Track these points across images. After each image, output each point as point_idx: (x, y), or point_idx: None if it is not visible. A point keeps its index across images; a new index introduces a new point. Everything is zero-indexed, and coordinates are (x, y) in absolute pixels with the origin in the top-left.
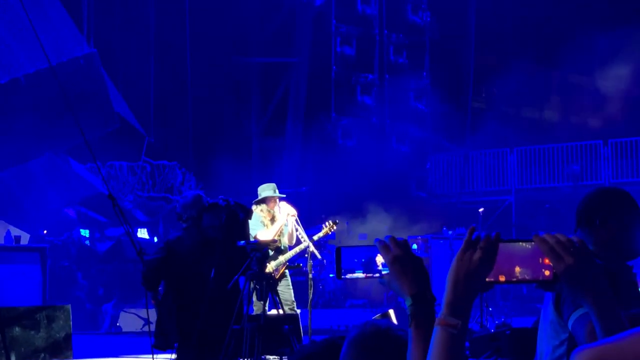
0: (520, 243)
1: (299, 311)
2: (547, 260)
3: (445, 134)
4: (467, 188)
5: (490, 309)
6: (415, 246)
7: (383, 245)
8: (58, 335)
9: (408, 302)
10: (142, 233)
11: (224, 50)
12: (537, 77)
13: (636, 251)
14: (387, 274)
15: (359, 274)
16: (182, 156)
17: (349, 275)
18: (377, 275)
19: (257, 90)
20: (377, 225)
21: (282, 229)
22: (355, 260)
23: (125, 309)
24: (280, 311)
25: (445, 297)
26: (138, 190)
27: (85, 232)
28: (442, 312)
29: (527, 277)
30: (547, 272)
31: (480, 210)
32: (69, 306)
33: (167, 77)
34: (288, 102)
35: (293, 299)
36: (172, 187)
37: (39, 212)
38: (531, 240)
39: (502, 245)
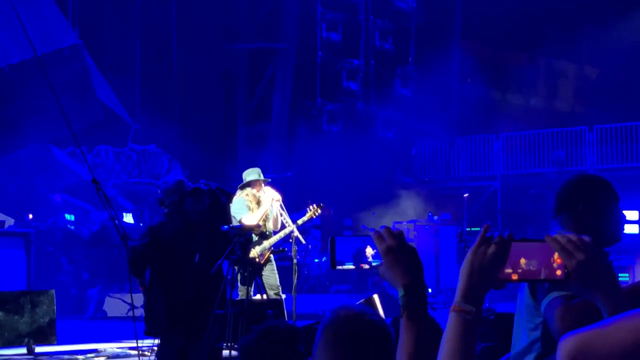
0: (534, 242)
1: (284, 296)
2: (559, 260)
3: (430, 120)
4: (453, 174)
5: None
6: None
7: (378, 236)
8: (42, 320)
9: (400, 292)
10: (128, 218)
11: (210, 36)
12: (522, 63)
13: (615, 238)
14: (381, 264)
15: (350, 266)
16: (168, 143)
17: (339, 267)
18: (367, 266)
19: (244, 76)
20: (363, 210)
21: (267, 214)
22: (346, 251)
23: (110, 294)
24: (264, 296)
25: (459, 287)
26: (124, 177)
27: (70, 217)
28: (456, 299)
29: (539, 276)
30: (559, 272)
31: (466, 195)
32: (52, 291)
33: (153, 64)
34: (274, 88)
35: (278, 283)
36: (159, 174)
37: (25, 198)
38: (543, 240)
39: (514, 244)
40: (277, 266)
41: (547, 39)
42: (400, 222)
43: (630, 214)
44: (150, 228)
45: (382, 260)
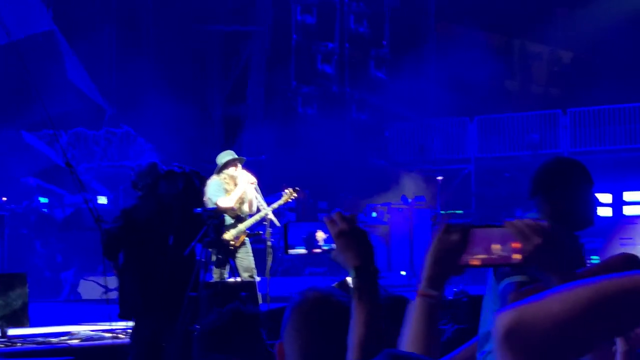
0: (493, 228)
1: (258, 279)
2: (517, 244)
3: (405, 103)
4: (427, 156)
5: None
6: (374, 214)
7: (330, 220)
8: (15, 303)
9: (352, 274)
10: (102, 200)
11: (185, 19)
12: (497, 46)
13: (588, 221)
14: (333, 248)
15: (301, 250)
16: (143, 126)
17: (290, 251)
18: (319, 250)
19: (219, 59)
20: (337, 193)
21: (243, 197)
22: (298, 236)
23: (84, 277)
24: (238, 279)
25: (424, 272)
26: (98, 160)
27: (44, 200)
28: (421, 284)
29: (499, 261)
30: (517, 256)
31: (439, 178)
32: (25, 274)
33: (128, 47)
34: (249, 70)
35: (253, 266)
36: (134, 157)
37: None
38: (502, 225)
39: (474, 230)
40: (252, 249)
41: (521, 21)
42: (375, 205)
43: (604, 197)
44: (124, 211)
45: (335, 244)
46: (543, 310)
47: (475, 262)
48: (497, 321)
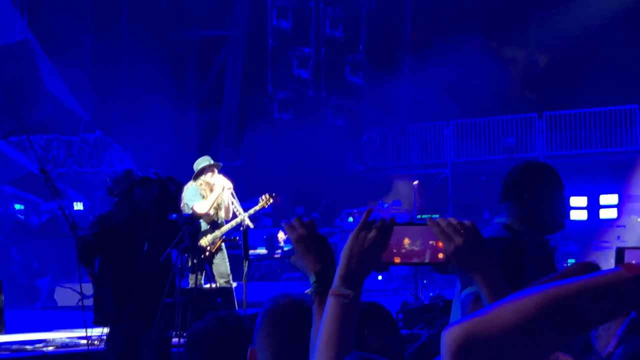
0: (416, 226)
1: (234, 284)
2: (440, 244)
3: (381, 107)
4: (404, 161)
5: (425, 282)
6: (351, 219)
7: (289, 226)
8: None
9: (312, 279)
10: (78, 206)
11: (160, 23)
12: (472, 50)
13: (559, 225)
14: (294, 255)
15: (262, 250)
16: (119, 131)
17: (251, 251)
18: (279, 251)
19: (194, 63)
20: (314, 198)
21: (220, 202)
22: (259, 237)
23: (60, 284)
24: (214, 285)
25: (339, 271)
26: (74, 167)
27: (19, 207)
28: (335, 283)
29: (422, 260)
30: (440, 255)
31: (415, 183)
32: (0, 281)
33: (104, 52)
34: (224, 75)
35: (229, 272)
36: (109, 163)
37: None
38: (425, 224)
39: (398, 228)
40: (227, 254)
41: (497, 25)
42: (352, 210)
43: (579, 201)
44: (100, 217)
45: (294, 249)
46: (494, 321)
47: (397, 260)
48: (446, 336)
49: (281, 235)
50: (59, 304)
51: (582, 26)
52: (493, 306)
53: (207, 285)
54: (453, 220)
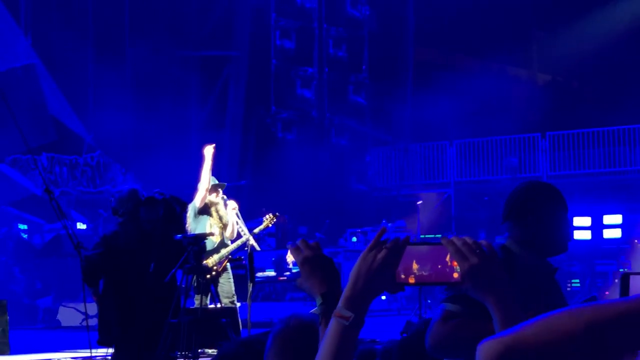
0: (430, 246)
1: (239, 304)
2: (455, 263)
3: (384, 127)
4: (407, 181)
5: (429, 301)
6: (355, 239)
7: (295, 248)
8: None
9: (318, 301)
10: (81, 226)
11: (163, 44)
12: (475, 70)
13: (562, 247)
14: (300, 278)
15: (270, 272)
16: (121, 152)
17: (259, 274)
18: (288, 273)
19: (197, 84)
20: (317, 218)
21: (226, 223)
22: (267, 260)
23: (64, 304)
24: (219, 305)
25: (344, 292)
26: (79, 187)
27: (23, 227)
28: (339, 304)
29: (436, 279)
30: (455, 275)
31: (419, 202)
32: (5, 301)
33: (106, 72)
34: (228, 95)
35: (234, 291)
36: (113, 184)
37: None
38: (440, 243)
39: (412, 248)
40: (232, 274)
41: (499, 45)
42: (355, 230)
43: (582, 221)
44: (104, 237)
45: (300, 271)
46: (537, 336)
47: (412, 281)
48: (483, 350)
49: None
50: (63, 324)
51: (585, 46)
52: (529, 323)
53: (212, 306)
54: (469, 240)
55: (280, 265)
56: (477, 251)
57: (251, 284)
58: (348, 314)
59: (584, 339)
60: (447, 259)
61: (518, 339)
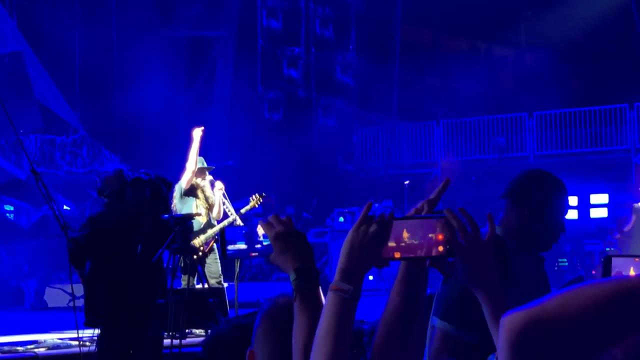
0: (415, 220)
1: (225, 285)
2: (440, 236)
3: (371, 108)
4: (394, 161)
5: None
6: (342, 219)
7: (267, 224)
8: None
9: (292, 276)
10: (66, 207)
11: (150, 24)
12: (462, 50)
13: (547, 247)
14: (273, 253)
15: (241, 245)
16: (108, 135)
17: (230, 247)
18: (259, 246)
19: (184, 64)
20: (305, 198)
21: (212, 203)
22: (238, 233)
23: (50, 285)
24: (206, 285)
25: (338, 265)
26: (66, 166)
27: (9, 208)
28: (335, 278)
29: (420, 253)
30: (440, 248)
31: (406, 182)
32: None
33: (93, 52)
34: (215, 76)
35: (220, 272)
36: (99, 164)
37: None
38: (427, 217)
39: (399, 222)
40: (218, 255)
41: (486, 25)
42: (342, 210)
43: (570, 200)
44: (90, 218)
45: (272, 247)
46: (564, 307)
47: (397, 255)
48: (507, 322)
49: (260, 230)
50: (49, 305)
51: (572, 26)
52: (556, 294)
53: (199, 286)
54: (470, 217)
55: (251, 239)
56: (470, 233)
57: (238, 262)
58: (346, 286)
59: (608, 310)
60: (432, 233)
61: (543, 310)
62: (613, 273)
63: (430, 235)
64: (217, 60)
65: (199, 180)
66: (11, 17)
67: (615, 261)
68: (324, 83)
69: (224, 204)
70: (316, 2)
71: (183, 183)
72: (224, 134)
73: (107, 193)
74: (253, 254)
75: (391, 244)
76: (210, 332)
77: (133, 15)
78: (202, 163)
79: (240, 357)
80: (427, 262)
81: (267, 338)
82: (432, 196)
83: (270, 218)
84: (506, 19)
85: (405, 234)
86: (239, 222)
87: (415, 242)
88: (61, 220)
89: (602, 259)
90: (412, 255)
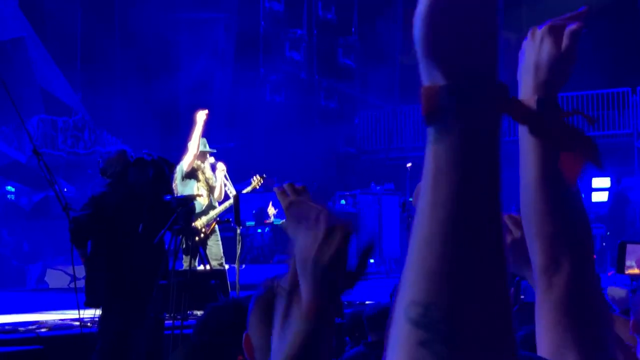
0: None
1: (227, 266)
2: None
3: (374, 90)
4: (396, 144)
5: None
6: (343, 201)
7: (281, 192)
8: None
9: None
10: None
11: (151, 5)
12: None
13: None
14: (285, 222)
15: (250, 224)
16: (109, 116)
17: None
18: (270, 220)
19: (185, 46)
20: (306, 181)
21: (213, 185)
22: (248, 210)
23: (51, 266)
24: (208, 267)
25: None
26: (67, 147)
27: (11, 189)
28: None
29: None
30: None
31: (408, 165)
32: None
33: (95, 33)
34: (216, 58)
35: (222, 254)
36: (101, 145)
37: None
38: None
39: None
40: (221, 237)
41: None
42: (344, 193)
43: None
44: (93, 198)
45: (285, 215)
46: None
47: None
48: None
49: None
50: (50, 286)
51: (574, 8)
52: None
53: (201, 268)
54: (515, 216)
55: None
56: (521, 224)
57: (239, 246)
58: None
59: None
60: None
61: None
62: (628, 259)
63: None
64: (219, 42)
65: (199, 163)
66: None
67: (630, 247)
68: (326, 65)
69: (225, 185)
70: None
71: (184, 165)
72: (225, 116)
73: (109, 173)
74: (266, 221)
75: None
76: (207, 309)
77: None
78: (204, 145)
79: (235, 337)
80: None
81: (261, 321)
82: None
83: (285, 186)
84: (508, 2)
85: None
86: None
87: None
88: (63, 201)
89: (618, 244)
90: None
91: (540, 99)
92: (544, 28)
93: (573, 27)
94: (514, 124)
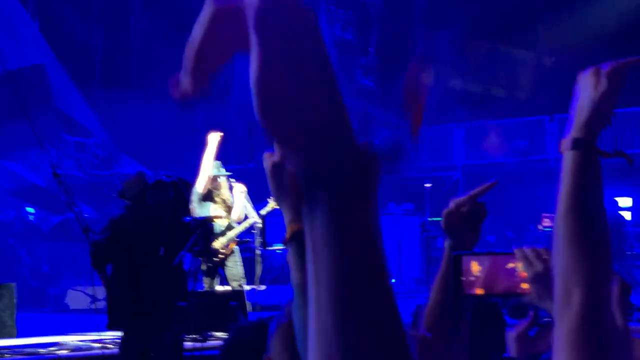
0: (496, 255)
1: (247, 287)
2: (524, 274)
3: (392, 110)
4: (415, 164)
5: None
6: None
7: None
8: (2, 313)
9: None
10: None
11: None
12: (482, 52)
13: None
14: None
15: (278, 246)
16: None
17: (269, 248)
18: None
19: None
20: None
21: (231, 205)
22: (277, 232)
23: (72, 287)
24: (227, 288)
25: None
26: (88, 169)
27: (31, 210)
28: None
29: (505, 290)
30: (525, 285)
31: (428, 185)
32: (13, 284)
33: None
34: (233, 78)
35: (242, 274)
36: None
37: None
38: (504, 253)
39: (481, 257)
40: (241, 257)
41: (506, 26)
42: None
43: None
44: (112, 221)
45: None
46: None
47: (479, 292)
48: None
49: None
50: (70, 307)
51: (591, 26)
52: None
53: (221, 288)
54: (535, 249)
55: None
56: (543, 257)
57: (259, 267)
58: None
59: None
60: (514, 269)
61: None
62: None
63: (514, 272)
64: (236, 60)
65: (214, 185)
66: (33, 19)
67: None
68: (344, 86)
69: (245, 207)
70: (337, 5)
71: (199, 188)
72: (244, 136)
73: (128, 196)
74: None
75: (469, 280)
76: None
77: (151, 13)
78: (217, 169)
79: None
80: (512, 300)
81: (283, 344)
82: (473, 192)
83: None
84: (525, 20)
85: (488, 271)
86: (259, 224)
87: (497, 279)
88: (82, 223)
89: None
90: (494, 292)
91: (576, 139)
92: (606, 70)
93: (615, 68)
94: (532, 144)
